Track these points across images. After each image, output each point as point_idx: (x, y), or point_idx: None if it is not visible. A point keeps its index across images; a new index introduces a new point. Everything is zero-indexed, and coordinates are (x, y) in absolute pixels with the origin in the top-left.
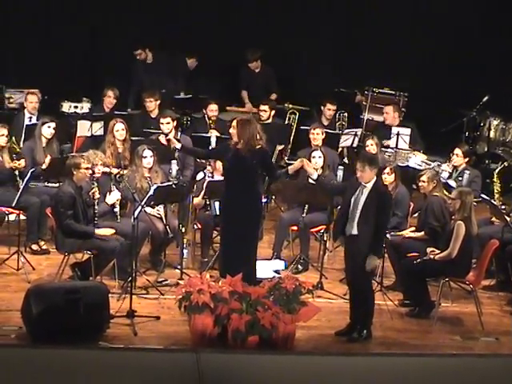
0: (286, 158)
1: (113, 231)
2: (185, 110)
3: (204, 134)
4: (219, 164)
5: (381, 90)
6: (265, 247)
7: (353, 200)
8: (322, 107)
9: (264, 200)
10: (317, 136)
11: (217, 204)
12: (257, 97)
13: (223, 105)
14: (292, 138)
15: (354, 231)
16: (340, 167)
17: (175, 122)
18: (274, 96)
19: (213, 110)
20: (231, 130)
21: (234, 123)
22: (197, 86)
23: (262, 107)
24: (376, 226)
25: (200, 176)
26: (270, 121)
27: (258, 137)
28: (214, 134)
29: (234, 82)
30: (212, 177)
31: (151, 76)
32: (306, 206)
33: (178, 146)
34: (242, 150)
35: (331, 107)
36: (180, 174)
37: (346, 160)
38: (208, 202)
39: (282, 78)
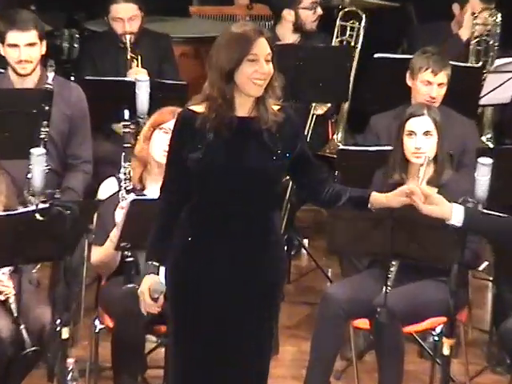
0: (337, 139)
1: None
2: (67, 16)
3: (117, 78)
4: (158, 152)
5: None
6: (286, 377)
7: None
8: (457, 6)
9: None
10: (439, 89)
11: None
12: None
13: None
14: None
15: None
16: (483, 161)
17: (43, 46)
18: None
19: (121, 16)
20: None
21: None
22: None
23: None
24: None
25: (108, 188)
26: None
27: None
28: (141, 80)
29: None
30: (139, 190)
31: None
32: (393, 264)
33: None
34: (257, 120)
35: (482, 5)
36: (55, 185)
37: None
38: (132, 259)
39: None
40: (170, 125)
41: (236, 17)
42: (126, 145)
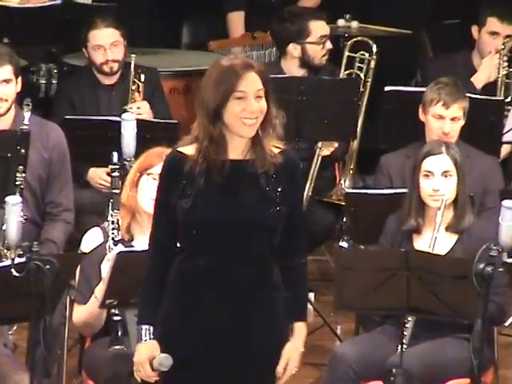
0: (344, 184)
1: None
2: (44, 49)
3: (100, 117)
4: (147, 201)
5: None
6: None
7: None
8: (475, 28)
9: None
10: (452, 123)
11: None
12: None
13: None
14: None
15: None
16: (507, 204)
17: (19, 82)
18: None
19: (102, 43)
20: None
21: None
22: None
23: (317, 24)
24: None
25: (92, 239)
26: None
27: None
28: (127, 119)
29: None
30: (128, 241)
31: None
32: (409, 319)
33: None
34: (253, 163)
35: (496, 22)
36: (32, 237)
37: None
38: (119, 318)
39: None
40: (159, 169)
41: (228, 46)
42: (114, 191)
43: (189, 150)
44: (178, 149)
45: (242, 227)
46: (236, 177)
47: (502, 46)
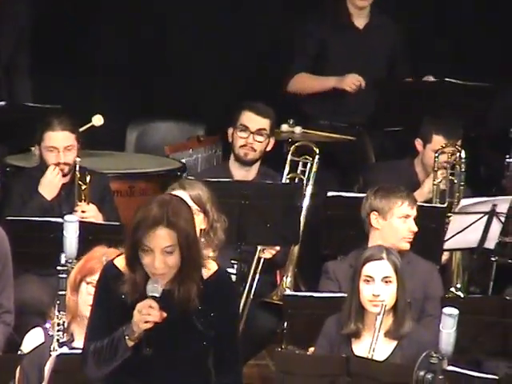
0: (286, 283)
1: None
2: None
3: (42, 218)
4: (88, 309)
5: None
6: None
7: None
8: (419, 142)
9: None
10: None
11: None
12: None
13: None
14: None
15: None
16: (448, 311)
17: None
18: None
19: (56, 145)
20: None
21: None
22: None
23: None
24: None
25: (34, 339)
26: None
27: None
28: (69, 221)
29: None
30: (69, 342)
31: None
32: None
33: None
34: (178, 294)
35: (442, 141)
36: None
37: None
38: None
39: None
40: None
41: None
42: (60, 292)
43: (123, 261)
44: (114, 261)
45: (168, 354)
46: (166, 305)
47: (446, 164)
